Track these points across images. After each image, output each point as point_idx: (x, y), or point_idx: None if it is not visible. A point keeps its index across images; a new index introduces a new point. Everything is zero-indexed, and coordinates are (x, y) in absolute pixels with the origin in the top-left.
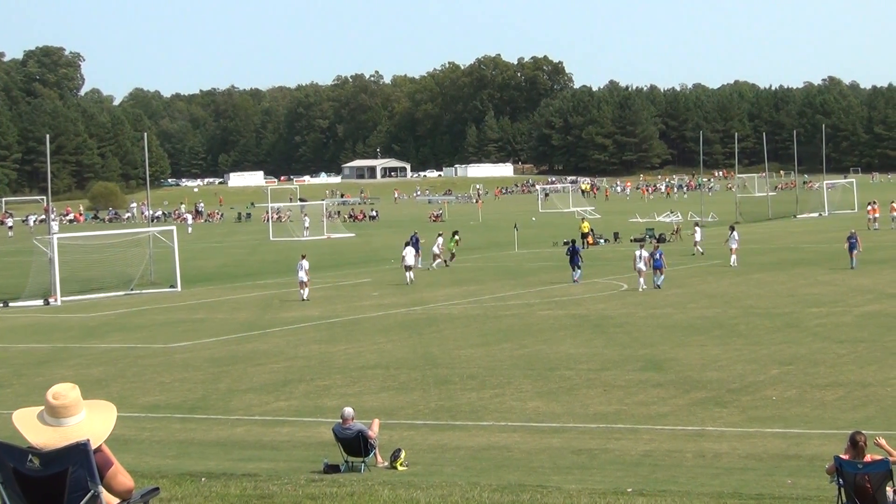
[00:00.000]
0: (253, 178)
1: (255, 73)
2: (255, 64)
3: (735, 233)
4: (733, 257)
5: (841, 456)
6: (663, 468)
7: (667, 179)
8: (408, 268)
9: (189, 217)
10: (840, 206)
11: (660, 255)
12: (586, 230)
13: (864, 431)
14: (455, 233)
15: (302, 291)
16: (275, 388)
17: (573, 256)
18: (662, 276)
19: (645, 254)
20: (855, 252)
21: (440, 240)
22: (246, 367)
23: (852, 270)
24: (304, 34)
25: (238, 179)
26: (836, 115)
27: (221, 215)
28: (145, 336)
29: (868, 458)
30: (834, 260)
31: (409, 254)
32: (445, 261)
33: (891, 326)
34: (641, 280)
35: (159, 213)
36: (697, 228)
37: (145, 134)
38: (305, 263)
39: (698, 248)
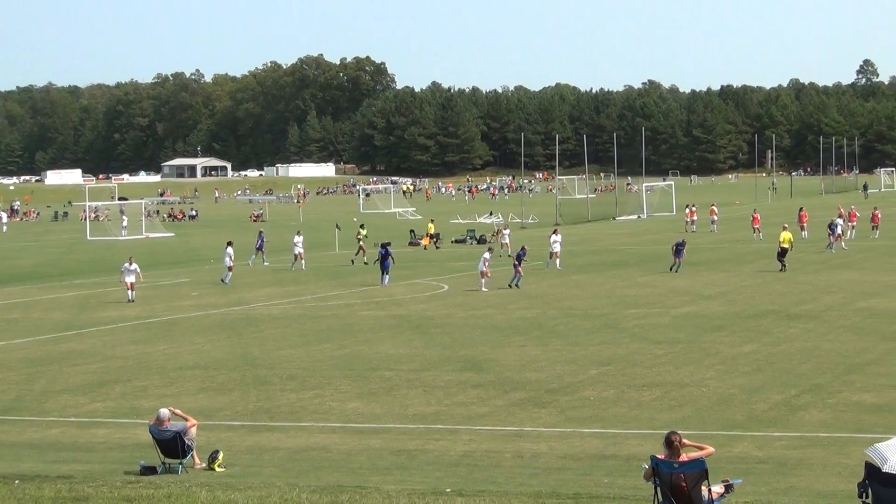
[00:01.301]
0: (71, 177)
1: (73, 70)
2: (74, 61)
3: (558, 235)
4: (557, 260)
5: (657, 456)
6: (482, 468)
7: (489, 180)
8: (229, 268)
9: (4, 215)
10: (659, 209)
11: (521, 255)
12: (432, 231)
13: (679, 431)
14: (361, 226)
15: (130, 292)
16: (91, 389)
17: (384, 260)
18: (520, 277)
19: (487, 255)
20: (680, 258)
21: (299, 238)
22: (61, 368)
23: (671, 273)
24: (123, 31)
25: (55, 177)
26: (655, 118)
27: (38, 214)
28: None
29: (684, 457)
30: (653, 262)
31: (229, 254)
32: (365, 260)
33: (707, 328)
34: (483, 281)
35: None
36: (506, 231)
37: None
38: (133, 265)
39: (507, 249)
